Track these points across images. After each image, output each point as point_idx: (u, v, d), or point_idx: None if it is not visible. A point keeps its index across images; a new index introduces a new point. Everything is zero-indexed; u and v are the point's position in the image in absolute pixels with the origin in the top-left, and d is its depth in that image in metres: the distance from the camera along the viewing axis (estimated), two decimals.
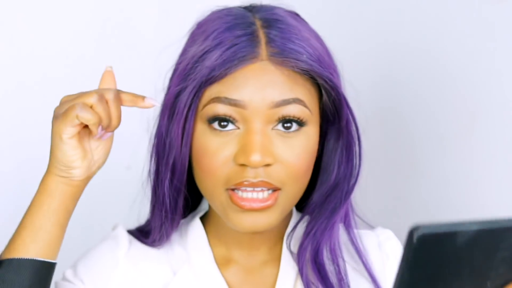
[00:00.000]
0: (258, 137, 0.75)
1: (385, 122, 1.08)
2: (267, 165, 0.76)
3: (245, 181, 0.76)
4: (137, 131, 1.29)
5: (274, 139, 0.77)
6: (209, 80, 0.76)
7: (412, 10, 1.06)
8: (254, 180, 0.76)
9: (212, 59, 0.76)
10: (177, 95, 0.79)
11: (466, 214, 0.99)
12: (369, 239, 0.88)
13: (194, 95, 0.77)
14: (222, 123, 0.77)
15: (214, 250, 0.86)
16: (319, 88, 0.80)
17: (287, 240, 0.85)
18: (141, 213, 0.99)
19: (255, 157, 0.75)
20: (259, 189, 0.77)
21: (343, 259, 0.83)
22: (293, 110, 0.77)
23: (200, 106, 0.78)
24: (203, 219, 0.89)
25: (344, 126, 0.81)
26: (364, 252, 0.86)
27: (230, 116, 0.76)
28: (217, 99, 0.76)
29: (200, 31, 0.81)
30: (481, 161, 0.95)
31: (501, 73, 0.92)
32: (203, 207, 0.90)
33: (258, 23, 0.78)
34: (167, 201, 0.83)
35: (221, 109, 0.76)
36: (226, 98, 0.76)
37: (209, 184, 0.79)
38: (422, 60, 1.05)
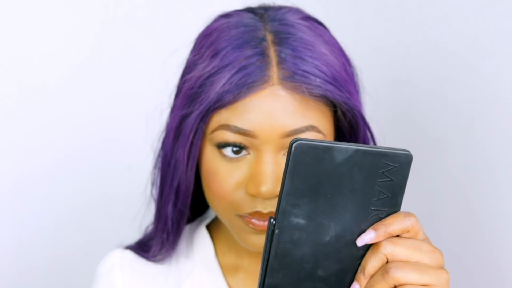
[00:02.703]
0: (269, 167, 0.72)
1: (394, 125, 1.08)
2: None
3: (255, 212, 0.74)
4: (138, 131, 1.29)
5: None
6: (217, 106, 0.72)
7: (411, 9, 1.06)
8: (264, 211, 0.74)
9: (220, 83, 0.72)
10: (183, 118, 0.76)
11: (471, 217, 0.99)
12: None
13: (201, 120, 0.74)
14: (234, 148, 0.73)
15: (222, 258, 0.86)
16: (333, 104, 0.76)
17: None
18: (141, 213, 0.99)
19: (265, 189, 0.72)
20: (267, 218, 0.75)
21: None
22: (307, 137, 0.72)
23: (208, 130, 0.75)
24: (210, 225, 0.88)
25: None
26: None
27: (240, 143, 0.73)
28: (226, 127, 0.73)
29: (207, 42, 0.76)
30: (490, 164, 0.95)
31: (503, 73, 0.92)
32: (210, 214, 0.90)
33: (269, 38, 0.74)
34: (170, 223, 0.81)
35: (231, 137, 0.73)
36: (235, 126, 0.72)
37: (219, 207, 0.77)
38: (421, 60, 1.05)
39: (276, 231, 0.60)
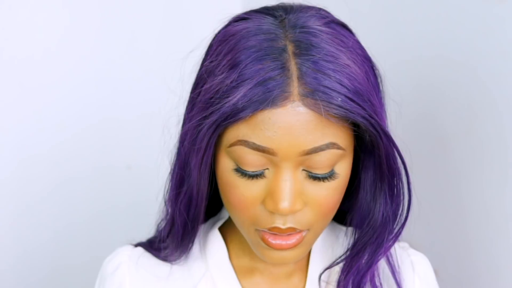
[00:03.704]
0: (287, 184, 0.71)
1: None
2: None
3: (274, 227, 0.73)
4: (138, 132, 1.29)
5: (303, 181, 0.73)
6: (233, 119, 0.70)
7: (413, 9, 1.06)
8: (283, 227, 0.73)
9: (238, 96, 0.69)
10: (198, 127, 0.73)
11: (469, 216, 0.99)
12: (401, 257, 0.86)
13: (215, 130, 0.72)
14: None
15: (236, 261, 0.85)
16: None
17: (320, 272, 0.83)
18: (141, 214, 0.99)
19: (284, 206, 0.71)
20: (286, 234, 0.74)
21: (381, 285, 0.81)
22: (325, 156, 0.71)
23: (226, 143, 0.72)
24: (224, 228, 0.87)
25: (384, 161, 0.75)
26: (400, 277, 0.83)
27: (259, 161, 0.71)
28: (244, 143, 0.71)
29: (224, 49, 0.73)
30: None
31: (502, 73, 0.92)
32: (223, 215, 0.88)
33: (290, 48, 0.70)
34: (183, 228, 0.81)
35: (249, 153, 0.71)
36: (254, 143, 0.70)
37: (238, 219, 0.76)
38: (421, 61, 1.05)
39: None
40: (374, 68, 0.76)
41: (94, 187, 1.26)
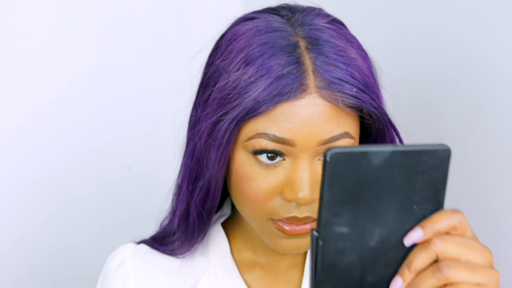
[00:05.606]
0: (306, 174, 0.73)
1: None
2: None
3: (292, 216, 0.75)
4: (138, 133, 1.30)
5: (320, 171, 0.74)
6: (254, 114, 0.73)
7: (413, 9, 1.07)
8: (300, 216, 0.74)
9: (258, 91, 0.72)
10: (216, 123, 0.76)
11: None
12: None
13: (235, 125, 0.74)
14: (269, 155, 0.74)
15: (238, 256, 0.86)
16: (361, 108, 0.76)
17: None
18: (141, 214, 0.99)
19: (304, 194, 0.73)
20: (303, 223, 0.76)
21: None
22: (340, 145, 0.74)
23: (243, 137, 0.75)
24: (226, 224, 0.88)
25: None
26: None
27: (278, 151, 0.74)
28: (264, 135, 0.73)
29: (236, 47, 0.76)
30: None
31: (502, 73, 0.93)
32: (225, 212, 0.89)
33: (302, 44, 0.74)
34: (198, 223, 0.82)
35: (269, 145, 0.73)
36: (274, 135, 0.73)
37: (251, 211, 0.77)
38: (420, 60, 1.06)
39: (320, 243, 0.59)
40: (372, 62, 0.79)
41: (94, 187, 1.26)
